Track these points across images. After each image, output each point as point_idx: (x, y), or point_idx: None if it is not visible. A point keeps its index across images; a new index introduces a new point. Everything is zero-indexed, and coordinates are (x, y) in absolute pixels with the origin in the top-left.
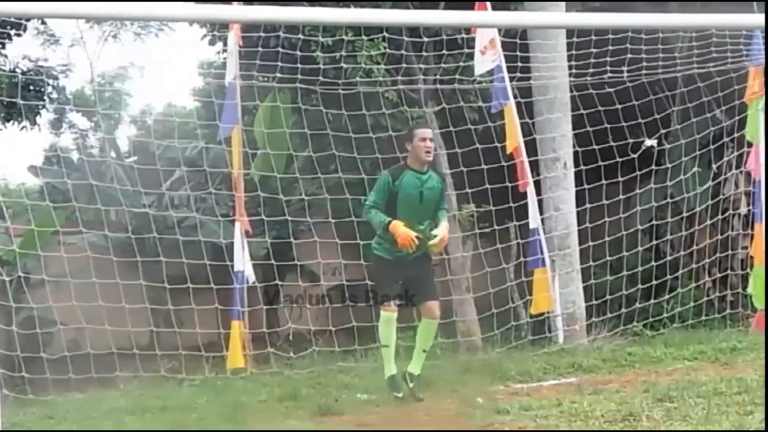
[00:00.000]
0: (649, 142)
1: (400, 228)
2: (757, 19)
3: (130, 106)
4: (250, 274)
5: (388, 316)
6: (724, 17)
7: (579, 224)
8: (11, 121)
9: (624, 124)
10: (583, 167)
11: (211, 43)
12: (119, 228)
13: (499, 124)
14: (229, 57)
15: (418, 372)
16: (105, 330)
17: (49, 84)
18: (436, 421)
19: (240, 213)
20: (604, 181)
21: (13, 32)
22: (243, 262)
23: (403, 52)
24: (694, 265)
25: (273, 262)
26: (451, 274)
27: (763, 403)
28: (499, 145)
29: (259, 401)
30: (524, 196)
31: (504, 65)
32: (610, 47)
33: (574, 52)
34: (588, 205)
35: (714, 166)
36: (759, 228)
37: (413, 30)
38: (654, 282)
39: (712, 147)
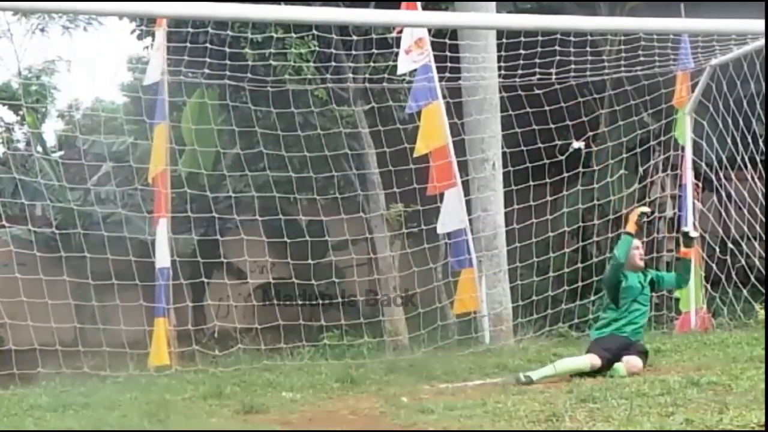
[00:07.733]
0: (577, 144)
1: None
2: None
3: (57, 101)
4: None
5: (590, 365)
6: (649, 21)
7: (507, 225)
8: None
9: (552, 126)
10: (511, 168)
11: (140, 38)
12: (44, 223)
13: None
14: (155, 53)
15: (536, 378)
16: (28, 326)
17: None
18: (360, 420)
19: (166, 209)
20: (532, 183)
21: None
22: (168, 259)
23: (332, 50)
24: None
25: (199, 259)
26: (378, 273)
27: (684, 404)
28: None
29: (184, 399)
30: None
31: (433, 65)
32: (539, 49)
33: (503, 53)
34: (516, 206)
35: (641, 169)
36: None
37: (343, 28)
38: (580, 283)
39: (638, 150)
